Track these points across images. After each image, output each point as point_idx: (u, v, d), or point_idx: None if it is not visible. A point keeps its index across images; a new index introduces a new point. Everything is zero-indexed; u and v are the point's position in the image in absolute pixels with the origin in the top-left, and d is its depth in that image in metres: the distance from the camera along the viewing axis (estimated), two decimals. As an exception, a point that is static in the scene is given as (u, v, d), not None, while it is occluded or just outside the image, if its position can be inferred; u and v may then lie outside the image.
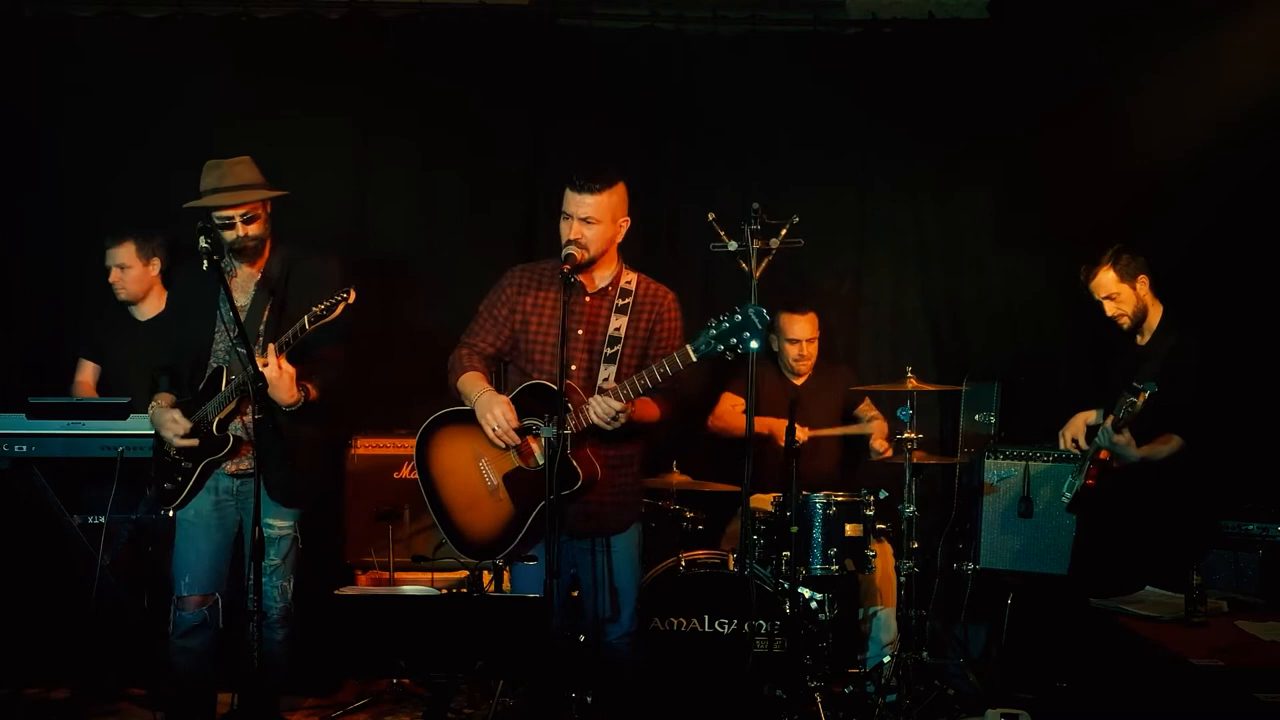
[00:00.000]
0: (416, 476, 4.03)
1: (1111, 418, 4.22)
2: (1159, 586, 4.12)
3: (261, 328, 4.06)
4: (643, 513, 4.33)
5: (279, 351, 3.87)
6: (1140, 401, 4.08)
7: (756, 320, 3.47)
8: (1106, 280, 4.47)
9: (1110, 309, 4.50)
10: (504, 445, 3.81)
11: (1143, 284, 4.46)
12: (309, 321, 3.84)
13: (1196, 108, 5.18)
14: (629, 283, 3.92)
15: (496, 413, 3.76)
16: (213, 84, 5.65)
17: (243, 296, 4.10)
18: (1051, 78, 5.59)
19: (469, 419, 3.86)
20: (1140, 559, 4.31)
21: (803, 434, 4.96)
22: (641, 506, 4.25)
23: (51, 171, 5.69)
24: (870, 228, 5.92)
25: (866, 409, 5.43)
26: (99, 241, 5.11)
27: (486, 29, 5.77)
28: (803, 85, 5.83)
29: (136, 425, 4.66)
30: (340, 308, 3.82)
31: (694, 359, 3.58)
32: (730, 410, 5.33)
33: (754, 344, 3.48)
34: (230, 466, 4.09)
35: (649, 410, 3.83)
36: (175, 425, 4.02)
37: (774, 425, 5.04)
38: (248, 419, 4.00)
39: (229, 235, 4.04)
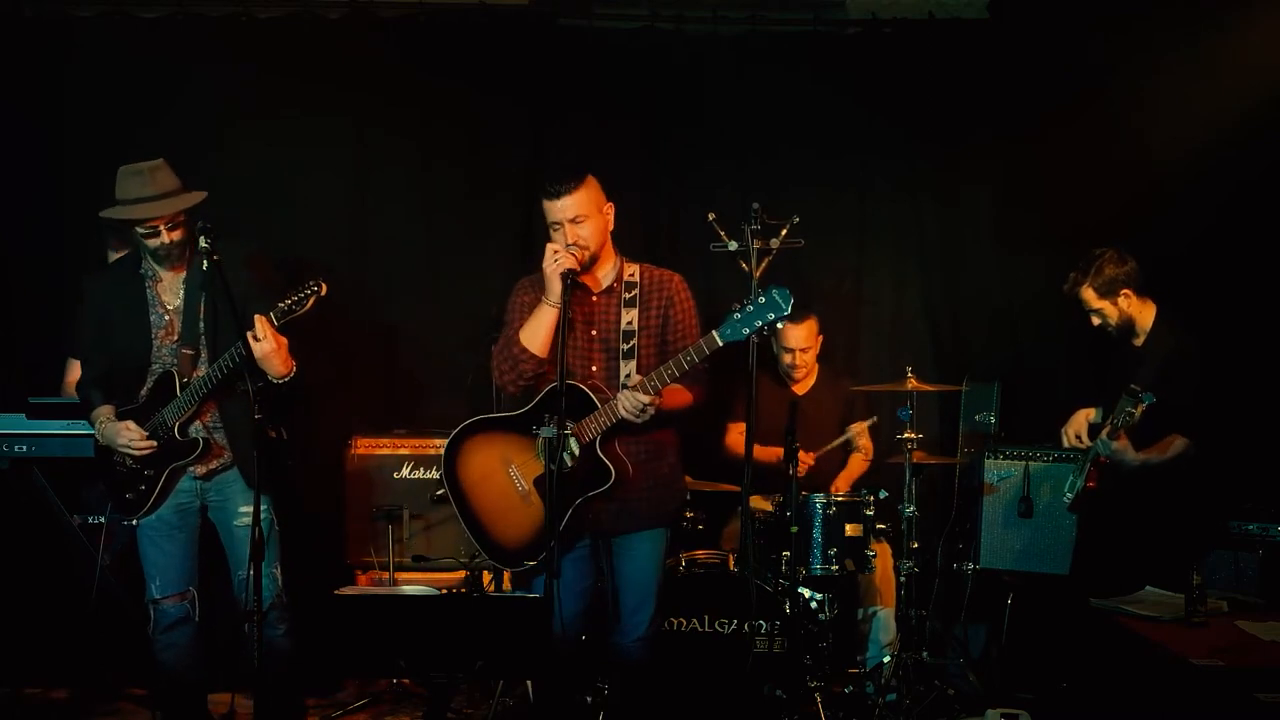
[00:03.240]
0: (446, 490, 3.93)
1: (1109, 425, 4.23)
2: (1159, 586, 4.13)
3: (201, 325, 4.02)
4: (686, 501, 4.38)
5: (272, 324, 3.80)
6: (1138, 413, 4.11)
7: (782, 301, 3.57)
8: (1087, 297, 4.50)
9: (1095, 320, 4.54)
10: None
11: (1125, 298, 4.45)
12: (277, 317, 3.79)
13: (1196, 108, 5.17)
14: (632, 275, 3.92)
15: None
16: (213, 84, 5.64)
17: (174, 298, 4.06)
18: (1051, 78, 5.58)
19: (496, 426, 3.87)
20: (1141, 559, 4.31)
21: (808, 459, 5.00)
22: (684, 495, 4.25)
23: (51, 171, 5.67)
24: (870, 228, 5.91)
25: (860, 433, 5.35)
26: (99, 241, 5.10)
27: (486, 29, 5.77)
28: (803, 85, 5.82)
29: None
30: (312, 300, 3.79)
31: (720, 344, 3.61)
32: (739, 440, 5.30)
33: (779, 325, 3.70)
34: (200, 469, 4.06)
35: (680, 398, 3.81)
36: (130, 434, 3.98)
37: (780, 455, 5.03)
38: (207, 420, 4.02)
39: (152, 243, 3.97)
